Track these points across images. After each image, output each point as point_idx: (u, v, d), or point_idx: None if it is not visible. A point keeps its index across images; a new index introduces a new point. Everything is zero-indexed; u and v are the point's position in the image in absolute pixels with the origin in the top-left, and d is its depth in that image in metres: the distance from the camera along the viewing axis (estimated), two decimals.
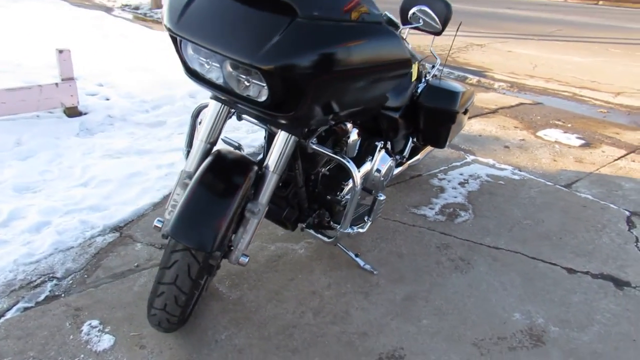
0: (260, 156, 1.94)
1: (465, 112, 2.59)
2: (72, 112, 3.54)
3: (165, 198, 2.63)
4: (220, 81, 1.47)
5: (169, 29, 1.42)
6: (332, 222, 2.00)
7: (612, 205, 2.86)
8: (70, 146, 3.16)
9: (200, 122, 2.04)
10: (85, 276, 2.01)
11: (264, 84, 1.37)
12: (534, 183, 3.10)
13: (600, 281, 2.15)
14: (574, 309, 1.96)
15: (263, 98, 1.41)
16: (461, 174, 3.15)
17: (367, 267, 2.11)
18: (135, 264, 2.09)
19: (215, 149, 1.68)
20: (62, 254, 2.12)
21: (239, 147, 1.81)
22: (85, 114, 3.61)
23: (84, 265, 2.07)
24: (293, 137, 1.61)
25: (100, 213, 2.43)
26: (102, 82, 4.19)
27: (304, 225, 1.99)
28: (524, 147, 3.72)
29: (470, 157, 3.44)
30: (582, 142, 3.94)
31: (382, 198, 1.85)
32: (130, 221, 2.42)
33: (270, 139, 1.84)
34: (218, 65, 1.42)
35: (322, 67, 1.32)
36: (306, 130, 1.69)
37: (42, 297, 1.88)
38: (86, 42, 5.63)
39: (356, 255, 2.15)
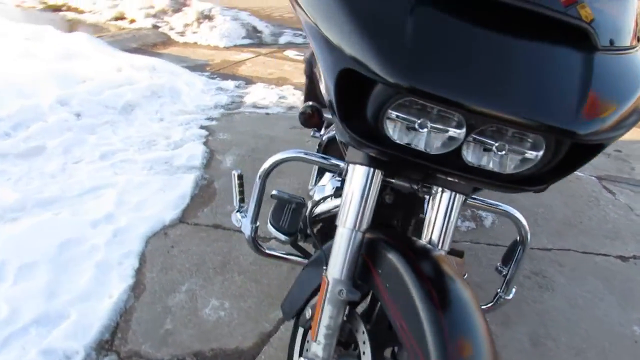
0: None
1: None
2: None
3: (140, 273, 1.83)
4: (444, 150, 0.88)
5: (391, 84, 0.78)
6: None
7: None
8: None
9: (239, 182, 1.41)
10: None
11: (534, 152, 0.85)
12: None
13: None
14: None
15: (511, 169, 0.89)
16: None
17: None
18: None
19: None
20: None
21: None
22: None
23: None
24: (460, 197, 1.10)
25: (62, 326, 1.55)
26: None
27: None
28: None
29: None
30: None
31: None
32: (115, 327, 1.60)
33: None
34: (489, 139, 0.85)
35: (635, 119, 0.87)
36: None
37: None
38: None
39: None
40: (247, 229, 1.37)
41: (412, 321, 0.89)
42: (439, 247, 1.07)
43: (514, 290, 1.43)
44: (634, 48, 0.86)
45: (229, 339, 1.59)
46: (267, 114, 3.38)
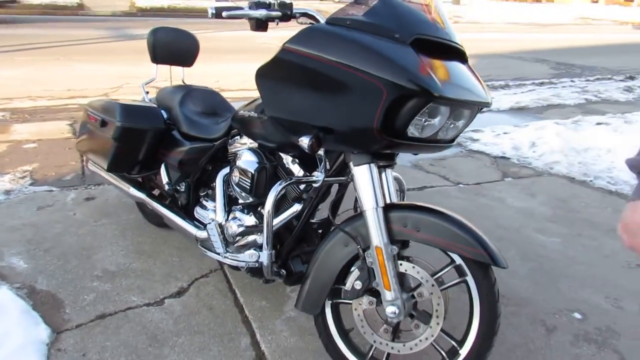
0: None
1: None
2: None
3: None
4: (432, 134, 1.46)
5: (430, 95, 1.30)
6: None
7: None
8: None
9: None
10: None
11: (464, 121, 1.55)
12: None
13: None
14: None
15: (452, 136, 1.57)
16: None
17: None
18: None
19: None
20: None
21: None
22: None
23: None
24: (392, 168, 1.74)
25: None
26: None
27: None
28: None
29: None
30: None
31: None
32: None
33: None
34: (451, 120, 1.45)
35: None
36: None
37: None
38: None
39: None
40: (266, 258, 1.56)
41: (455, 237, 1.46)
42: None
43: None
44: None
45: None
46: None
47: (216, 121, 2.18)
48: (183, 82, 2.58)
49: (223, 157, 2.11)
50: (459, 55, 1.49)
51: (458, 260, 1.52)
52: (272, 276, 1.69)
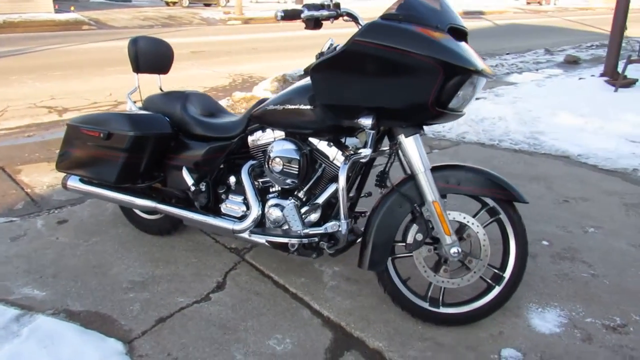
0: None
1: None
2: None
3: None
4: (458, 104, 1.78)
5: (470, 71, 1.63)
6: None
7: None
8: None
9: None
10: None
11: (475, 92, 1.90)
12: None
13: None
14: None
15: (466, 106, 1.93)
16: None
17: None
18: None
19: None
20: None
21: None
22: None
23: None
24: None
25: None
26: None
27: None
28: None
29: None
30: None
31: None
32: None
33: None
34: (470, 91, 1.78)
35: None
36: None
37: None
38: None
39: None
40: (345, 226, 1.78)
41: (488, 184, 1.84)
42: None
43: None
44: None
45: None
46: None
47: (227, 120, 2.30)
48: (160, 89, 2.62)
49: (238, 153, 2.25)
50: (464, 36, 1.83)
51: (491, 203, 1.89)
52: (344, 244, 1.91)
